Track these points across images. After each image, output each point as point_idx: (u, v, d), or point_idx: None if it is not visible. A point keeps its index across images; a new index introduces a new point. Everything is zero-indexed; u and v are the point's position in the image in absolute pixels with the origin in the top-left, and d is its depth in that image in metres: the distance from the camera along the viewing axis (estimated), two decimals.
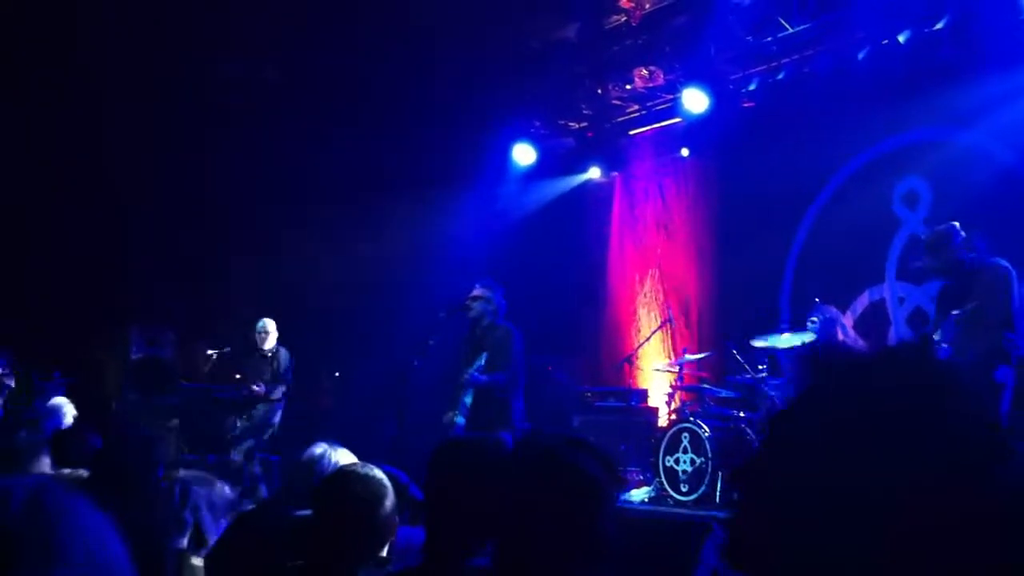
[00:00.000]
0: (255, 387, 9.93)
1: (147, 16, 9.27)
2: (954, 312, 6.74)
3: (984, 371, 6.35)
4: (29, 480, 1.30)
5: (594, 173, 11.94)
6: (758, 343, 8.99)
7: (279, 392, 10.01)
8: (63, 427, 6.16)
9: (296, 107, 10.74)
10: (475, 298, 8.40)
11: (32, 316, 9.96)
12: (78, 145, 10.26)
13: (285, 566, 3.08)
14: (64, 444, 5.23)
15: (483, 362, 8.10)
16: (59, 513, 1.27)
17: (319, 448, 4.05)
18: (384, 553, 3.09)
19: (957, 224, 7.07)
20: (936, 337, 6.91)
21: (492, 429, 7.95)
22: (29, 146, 10.02)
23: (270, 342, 10.18)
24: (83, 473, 4.61)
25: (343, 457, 4.08)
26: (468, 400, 8.18)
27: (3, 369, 8.47)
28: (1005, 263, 6.88)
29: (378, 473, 3.13)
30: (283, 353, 10.19)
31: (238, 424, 9.89)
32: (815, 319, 9.03)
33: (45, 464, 5.35)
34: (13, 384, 8.51)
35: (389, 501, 3.04)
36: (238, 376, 10.14)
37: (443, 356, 9.13)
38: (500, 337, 8.28)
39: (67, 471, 4.72)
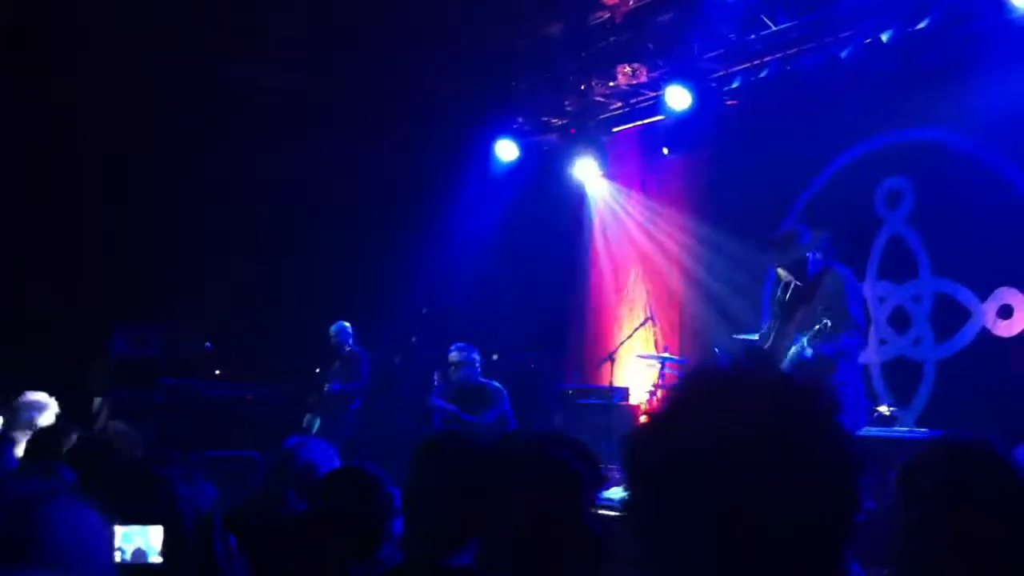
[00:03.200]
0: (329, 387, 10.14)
1: (144, 15, 9.25)
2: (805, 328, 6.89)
3: (828, 371, 6.52)
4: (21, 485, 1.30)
5: (577, 170, 11.93)
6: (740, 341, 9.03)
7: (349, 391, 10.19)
8: (43, 422, 6.12)
9: (283, 106, 10.71)
10: (457, 364, 8.67)
11: (15, 312, 9.89)
12: (59, 143, 10.20)
13: (276, 565, 3.07)
14: (46, 440, 5.20)
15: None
16: (46, 513, 1.26)
17: (293, 442, 4.06)
18: (377, 552, 3.07)
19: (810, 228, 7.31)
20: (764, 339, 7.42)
21: None
22: (11, 143, 9.95)
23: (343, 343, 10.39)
24: (55, 466, 4.58)
25: (319, 449, 4.08)
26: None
27: None
28: (845, 268, 7.16)
29: (369, 471, 3.13)
30: (358, 354, 10.37)
31: (315, 424, 9.98)
32: None
33: (15, 456, 5.32)
34: None
35: (380, 500, 3.02)
36: (217, 372, 10.10)
37: (426, 353, 9.15)
38: (488, 397, 8.60)
39: (37, 465, 4.68)
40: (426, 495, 2.75)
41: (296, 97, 10.74)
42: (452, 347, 8.83)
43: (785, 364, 6.55)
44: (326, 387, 10.15)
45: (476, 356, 8.80)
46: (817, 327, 6.46)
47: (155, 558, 2.48)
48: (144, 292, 10.84)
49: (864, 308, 7.03)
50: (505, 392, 8.69)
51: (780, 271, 7.22)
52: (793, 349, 6.66)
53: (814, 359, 6.52)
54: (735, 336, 9.08)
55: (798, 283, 7.05)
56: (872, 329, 9.66)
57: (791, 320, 7.04)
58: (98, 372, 10.28)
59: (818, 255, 7.03)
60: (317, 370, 10.45)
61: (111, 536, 1.38)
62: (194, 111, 10.51)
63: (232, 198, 11.27)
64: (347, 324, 10.36)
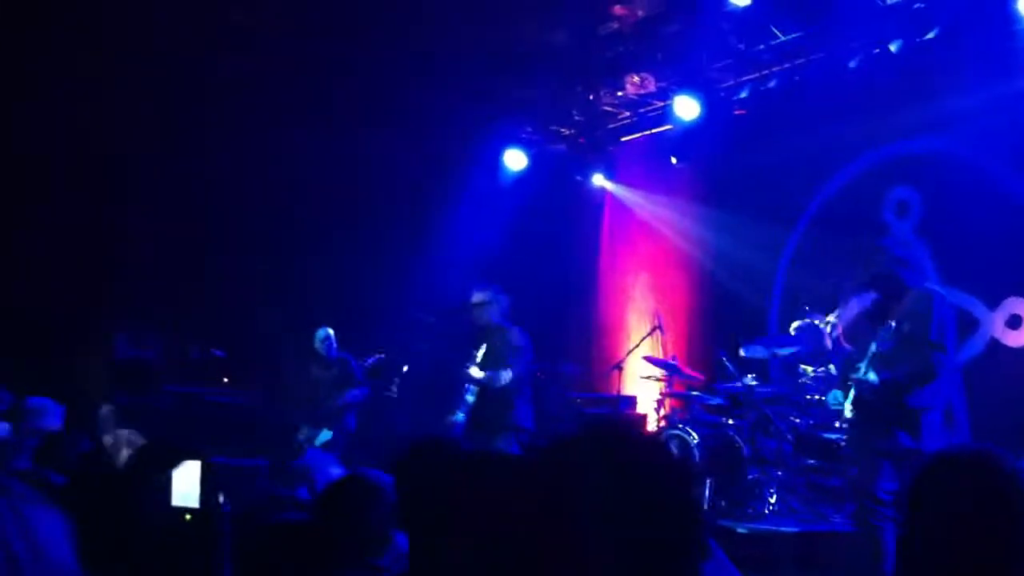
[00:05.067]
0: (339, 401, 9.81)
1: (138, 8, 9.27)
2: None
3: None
4: None
5: (589, 179, 11.94)
6: (747, 351, 9.02)
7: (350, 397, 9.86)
8: (52, 428, 6.13)
9: (288, 110, 10.71)
10: (479, 304, 8.34)
11: (15, 317, 9.90)
12: (58, 141, 10.21)
13: (278, 570, 3.07)
14: (54, 447, 5.21)
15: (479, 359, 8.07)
16: (9, 513, 1.27)
17: (309, 461, 4.08)
18: (382, 558, 3.06)
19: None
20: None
21: (493, 429, 7.91)
22: (9, 142, 9.96)
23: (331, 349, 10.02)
24: (50, 475, 4.59)
25: (322, 459, 4.10)
26: (470, 398, 8.13)
27: None
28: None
29: (373, 478, 3.13)
30: (347, 358, 10.02)
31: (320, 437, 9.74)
32: (796, 324, 9.07)
33: (23, 462, 5.33)
34: None
35: (383, 506, 3.02)
36: (226, 380, 10.09)
37: (435, 359, 9.12)
38: (505, 337, 8.23)
39: (40, 470, 4.70)
40: (421, 504, 2.74)
41: (304, 102, 10.75)
42: (475, 288, 8.44)
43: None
44: (334, 400, 9.74)
45: (500, 296, 8.36)
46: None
47: None
48: (147, 296, 10.85)
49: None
50: (525, 335, 8.26)
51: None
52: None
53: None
54: (742, 346, 9.08)
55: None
56: None
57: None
58: (99, 377, 10.29)
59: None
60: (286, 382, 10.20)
61: (68, 533, 1.38)
62: (199, 111, 10.51)
63: (238, 204, 11.28)
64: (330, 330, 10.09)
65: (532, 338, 8.31)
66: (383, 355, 9.96)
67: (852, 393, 6.04)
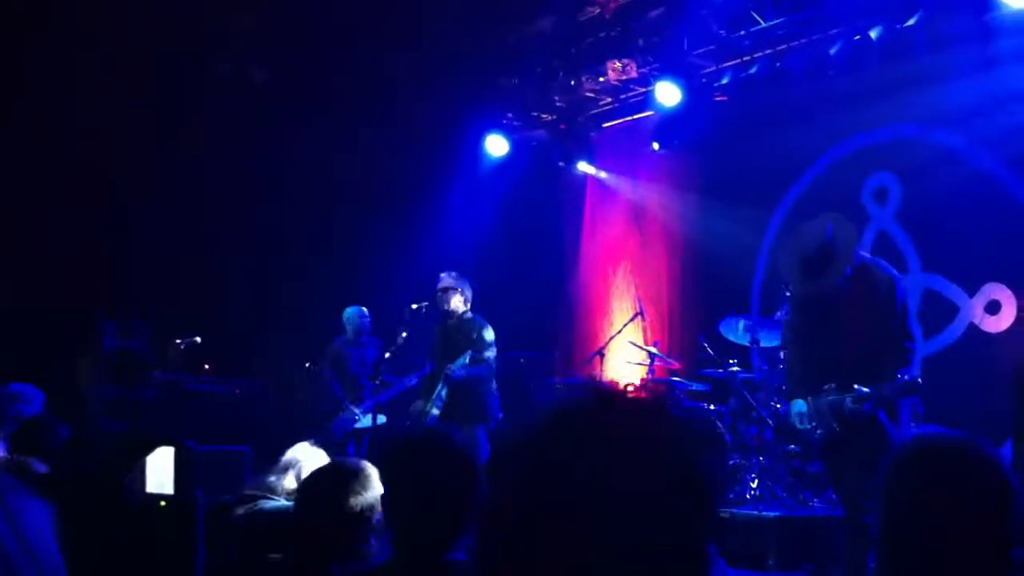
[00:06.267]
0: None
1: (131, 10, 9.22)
2: None
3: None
4: None
5: (567, 165, 11.94)
6: (728, 336, 9.06)
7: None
8: (32, 413, 6.09)
9: (272, 101, 10.68)
10: (446, 290, 8.40)
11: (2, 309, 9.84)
12: (44, 138, 10.14)
13: (263, 559, 3.07)
14: (33, 433, 5.18)
15: (467, 360, 8.10)
16: None
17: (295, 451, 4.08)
18: (368, 547, 3.06)
19: None
20: None
21: (467, 421, 7.99)
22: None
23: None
24: (34, 463, 4.57)
25: (304, 447, 4.10)
26: (444, 393, 8.21)
27: None
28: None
29: (357, 466, 3.13)
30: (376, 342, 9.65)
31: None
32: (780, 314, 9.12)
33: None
34: None
35: (368, 495, 3.02)
36: (207, 366, 10.05)
37: (413, 348, 9.10)
38: (474, 328, 8.30)
39: (19, 458, 4.67)
40: (407, 492, 2.75)
41: (283, 92, 10.71)
42: (442, 273, 8.44)
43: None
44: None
45: (467, 285, 8.38)
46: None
47: None
48: (132, 285, 10.79)
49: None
50: (490, 328, 8.27)
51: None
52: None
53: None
54: (719, 328, 9.12)
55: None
56: None
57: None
58: (86, 367, 10.23)
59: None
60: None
61: (52, 523, 1.38)
62: (183, 107, 10.46)
63: (221, 193, 11.24)
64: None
65: (507, 326, 8.36)
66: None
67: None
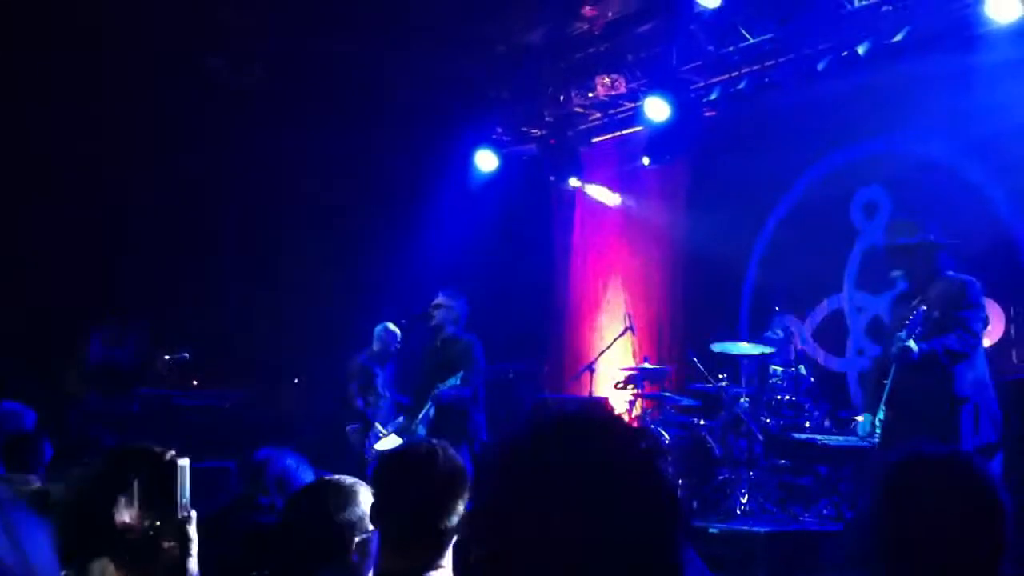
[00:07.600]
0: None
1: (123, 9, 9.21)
2: None
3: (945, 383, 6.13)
4: None
5: (557, 180, 11.94)
6: (718, 349, 9.05)
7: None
8: (22, 431, 6.06)
9: (261, 109, 10.66)
10: (437, 306, 8.40)
11: None
12: (31, 141, 10.10)
13: (247, 572, 3.04)
14: (20, 449, 5.17)
15: (459, 380, 8.06)
16: None
17: (264, 455, 4.05)
18: (355, 560, 3.04)
19: None
20: None
21: (452, 441, 7.93)
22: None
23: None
24: (33, 479, 4.55)
25: (292, 460, 4.08)
26: (431, 412, 8.18)
27: None
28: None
29: (342, 480, 3.12)
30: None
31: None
32: (779, 331, 9.13)
33: None
34: None
35: (355, 508, 3.01)
36: (195, 382, 9.99)
37: (404, 363, 9.09)
38: (463, 349, 8.28)
39: (16, 476, 4.65)
40: (392, 509, 2.74)
41: (274, 100, 10.69)
42: (441, 291, 8.43)
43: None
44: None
45: (460, 305, 8.36)
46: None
47: None
48: (122, 294, 10.74)
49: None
50: (480, 347, 8.25)
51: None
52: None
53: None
54: (713, 345, 9.11)
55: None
56: (850, 340, 9.70)
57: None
58: (73, 379, 10.17)
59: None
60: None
61: (49, 539, 1.38)
62: (173, 109, 10.43)
63: (209, 201, 11.22)
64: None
65: (497, 340, 8.34)
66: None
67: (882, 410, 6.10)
